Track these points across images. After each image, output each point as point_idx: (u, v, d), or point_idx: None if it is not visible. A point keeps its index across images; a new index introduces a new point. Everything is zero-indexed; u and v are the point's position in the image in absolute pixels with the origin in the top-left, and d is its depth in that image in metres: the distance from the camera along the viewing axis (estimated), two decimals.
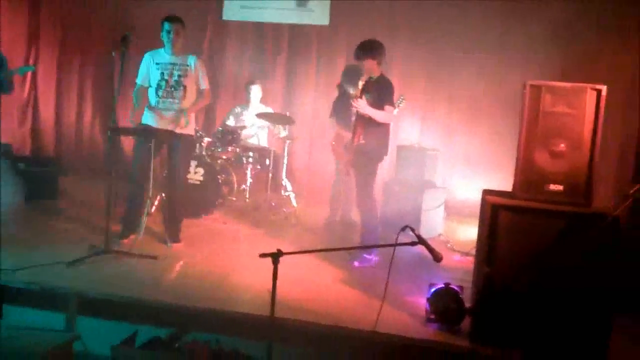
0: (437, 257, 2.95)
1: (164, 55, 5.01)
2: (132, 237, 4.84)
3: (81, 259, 4.33)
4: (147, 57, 5.07)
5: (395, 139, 7.34)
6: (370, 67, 4.90)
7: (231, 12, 7.87)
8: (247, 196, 6.50)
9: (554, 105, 3.41)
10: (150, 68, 5.01)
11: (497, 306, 3.35)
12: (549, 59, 6.66)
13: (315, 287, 4.26)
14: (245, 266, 4.50)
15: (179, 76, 4.96)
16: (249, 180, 6.56)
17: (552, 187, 3.43)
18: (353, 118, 5.03)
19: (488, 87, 7.08)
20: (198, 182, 6.11)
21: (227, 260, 4.76)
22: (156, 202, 5.98)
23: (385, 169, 6.83)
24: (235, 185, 6.53)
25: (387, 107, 4.86)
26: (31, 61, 8.27)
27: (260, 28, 7.86)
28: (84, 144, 8.44)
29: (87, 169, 8.04)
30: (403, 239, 3.01)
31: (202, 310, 3.61)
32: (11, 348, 3.29)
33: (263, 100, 7.05)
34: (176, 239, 5.06)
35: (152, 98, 5.02)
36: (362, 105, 4.77)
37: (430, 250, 2.95)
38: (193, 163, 6.10)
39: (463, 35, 7.16)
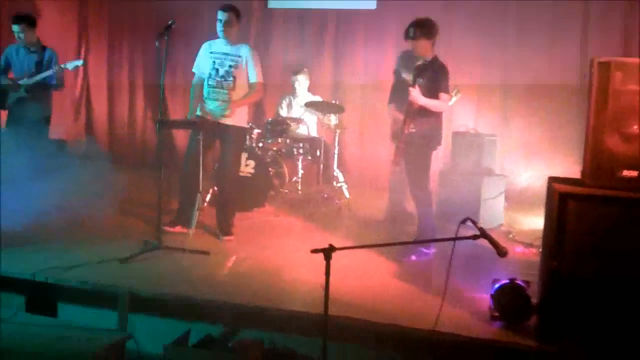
0: (501, 252, 2.73)
1: (219, 44, 4.94)
2: (179, 227, 4.83)
3: (134, 255, 4.29)
4: (204, 46, 5.02)
5: (450, 125, 7.07)
6: (424, 49, 4.65)
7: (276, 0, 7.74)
8: (300, 188, 6.38)
9: (625, 84, 3.10)
10: (205, 58, 4.94)
11: (565, 302, 3.10)
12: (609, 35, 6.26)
13: (371, 282, 4.07)
14: (298, 261, 4.36)
15: (230, 66, 4.88)
16: (301, 171, 6.44)
17: (626, 172, 3.14)
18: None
19: (546, 68, 6.71)
20: (249, 175, 6.02)
21: (280, 255, 4.64)
22: (209, 196, 5.92)
23: (440, 157, 6.60)
24: (287, 177, 6.42)
25: (442, 95, 4.60)
26: (82, 55, 8.36)
27: (305, 15, 7.70)
28: (137, 137, 8.51)
29: (140, 162, 8.10)
30: (463, 232, 2.81)
31: (255, 307, 3.51)
32: (64, 347, 3.28)
33: (311, 89, 6.89)
34: (228, 233, 4.98)
35: (204, 88, 4.98)
36: (416, 95, 4.53)
37: (494, 244, 2.74)
38: (244, 155, 6.01)
39: (517, 14, 6.80)
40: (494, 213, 5.84)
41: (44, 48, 5.75)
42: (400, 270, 4.40)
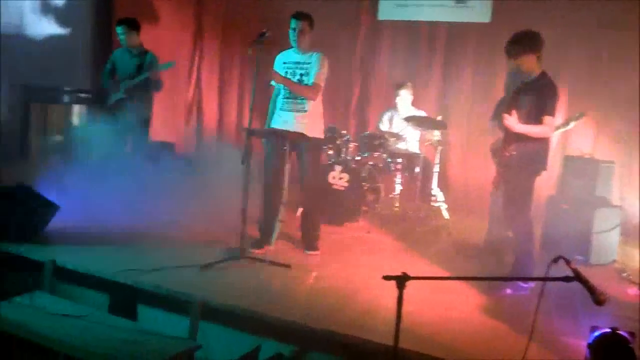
0: (598, 300, 2.37)
1: (291, 54, 4.83)
2: (266, 247, 4.72)
3: (215, 263, 4.28)
4: (278, 57, 4.92)
5: (562, 148, 6.57)
6: (529, 65, 4.20)
7: (387, 11, 7.56)
8: (397, 205, 6.15)
9: None
10: (279, 69, 4.83)
11: None
12: None
13: (453, 316, 3.75)
14: (379, 284, 4.12)
15: (301, 75, 4.74)
16: (399, 187, 6.21)
17: None
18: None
19: None
20: (342, 188, 5.88)
21: (362, 274, 4.41)
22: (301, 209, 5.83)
23: (549, 183, 6.12)
24: (382, 193, 6.22)
25: (546, 119, 4.12)
26: (196, 59, 8.59)
27: (415, 27, 7.46)
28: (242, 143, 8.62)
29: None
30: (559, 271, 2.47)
31: (325, 331, 3.33)
32: (134, 351, 3.27)
33: (415, 104, 6.64)
34: (312, 247, 4.86)
35: (279, 100, 4.87)
36: (512, 123, 4.15)
37: (590, 289, 2.38)
38: (338, 168, 5.89)
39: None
40: (607, 248, 5.27)
41: (145, 52, 5.98)
42: (490, 305, 4.02)
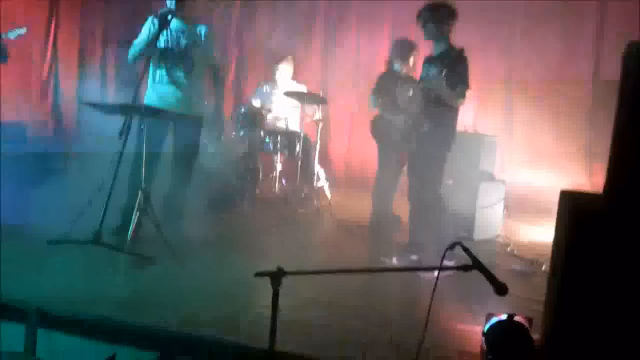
0: (499, 289, 2.06)
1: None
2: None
3: (65, 241, 3.62)
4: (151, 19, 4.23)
5: None
6: (431, 35, 4.14)
7: None
8: (277, 186, 5.72)
9: None
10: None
11: (576, 346, 2.44)
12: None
13: (339, 305, 3.35)
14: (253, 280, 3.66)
15: (186, 45, 4.16)
16: (278, 168, 5.77)
17: None
18: (407, 99, 4.20)
19: (556, 61, 6.06)
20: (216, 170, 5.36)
21: (234, 268, 3.83)
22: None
23: None
24: (261, 175, 5.76)
25: (460, 87, 3.98)
26: (52, 31, 7.60)
27: None
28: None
29: None
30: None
31: (187, 335, 2.83)
32: None
33: (296, 77, 6.19)
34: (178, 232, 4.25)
35: (153, 71, 4.25)
36: (437, 85, 3.95)
37: (491, 279, 2.08)
38: (211, 149, 5.35)
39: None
40: (491, 222, 5.20)
41: None
42: (380, 287, 3.69)
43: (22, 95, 7.31)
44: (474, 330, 2.97)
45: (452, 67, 3.97)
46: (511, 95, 6.31)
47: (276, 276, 2.12)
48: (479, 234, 5.06)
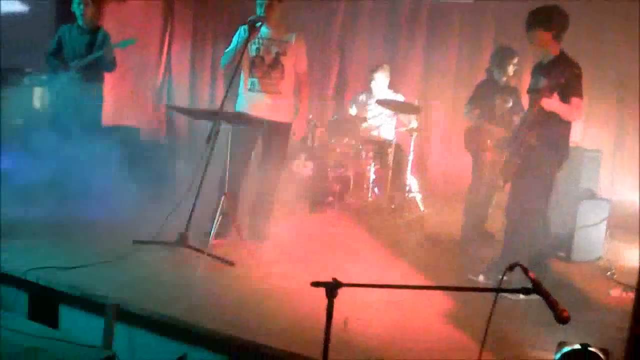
0: (560, 317, 1.93)
1: (262, 29, 4.32)
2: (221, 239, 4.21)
3: (149, 242, 3.88)
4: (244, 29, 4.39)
5: None
6: (541, 42, 3.77)
7: None
8: (370, 195, 5.69)
9: None
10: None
11: None
12: None
13: (408, 324, 3.28)
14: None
15: (277, 53, 4.32)
16: (372, 177, 5.74)
17: None
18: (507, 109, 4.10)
19: None
20: (307, 177, 5.45)
21: (310, 276, 3.86)
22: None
23: None
24: (352, 183, 5.76)
25: (574, 100, 3.65)
26: (167, 38, 8.04)
27: (395, 6, 6.97)
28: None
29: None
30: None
31: (252, 343, 2.90)
32: None
33: (393, 87, 6.15)
34: (261, 236, 4.41)
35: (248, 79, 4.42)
36: (548, 101, 3.62)
37: (551, 305, 1.95)
38: (302, 155, 5.44)
39: None
40: (592, 243, 4.85)
41: (97, 28, 5.45)
42: (454, 310, 3.55)
43: (137, 101, 7.87)
44: (544, 359, 2.80)
45: (565, 77, 3.63)
46: (622, 104, 5.86)
47: (331, 287, 2.12)
48: (578, 255, 4.75)
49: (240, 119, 4.06)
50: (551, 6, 3.79)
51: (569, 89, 3.65)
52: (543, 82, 3.72)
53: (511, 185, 3.99)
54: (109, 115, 6.07)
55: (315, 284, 2.15)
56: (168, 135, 8.22)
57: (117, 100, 7.10)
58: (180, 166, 6.24)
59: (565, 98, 3.65)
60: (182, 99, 8.21)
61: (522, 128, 3.84)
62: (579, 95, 3.68)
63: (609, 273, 4.50)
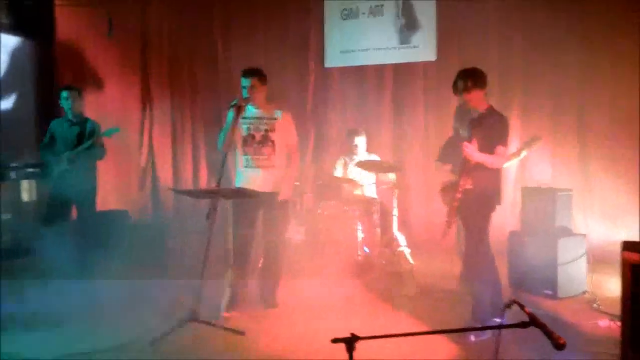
0: (557, 344, 2.17)
1: (250, 109, 4.62)
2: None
3: (163, 335, 3.96)
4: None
5: (520, 179, 6.51)
6: (477, 101, 4.16)
7: (333, 59, 7.56)
8: (360, 253, 5.92)
9: None
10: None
11: None
12: None
13: None
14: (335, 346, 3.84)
15: (266, 130, 4.59)
16: (360, 235, 5.99)
17: None
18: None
19: (631, 106, 6.02)
20: (299, 242, 5.67)
21: (322, 335, 4.06)
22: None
23: (513, 219, 6.03)
24: (343, 243, 5.99)
25: (498, 149, 4.05)
26: (146, 123, 8.31)
27: (362, 72, 7.45)
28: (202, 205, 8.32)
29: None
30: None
31: None
32: None
33: (369, 148, 6.52)
34: (272, 304, 4.65)
35: (240, 156, 4.68)
36: (470, 152, 4.01)
37: (548, 334, 2.19)
38: (293, 222, 5.68)
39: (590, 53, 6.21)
40: (575, 279, 5.10)
41: (85, 120, 5.79)
42: (459, 353, 3.76)
43: (123, 183, 8.08)
44: None
45: (494, 128, 4.05)
46: (585, 147, 6.29)
47: (350, 342, 2.28)
48: (564, 292, 4.99)
49: (239, 194, 4.31)
50: (476, 68, 4.20)
51: (495, 139, 4.04)
52: (474, 134, 4.10)
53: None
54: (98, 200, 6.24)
55: (336, 340, 2.35)
56: (155, 214, 8.40)
57: (103, 185, 7.29)
58: (173, 245, 6.43)
59: (491, 148, 4.03)
60: (166, 178, 8.44)
61: (460, 175, 4.15)
62: (504, 143, 4.10)
63: (594, 305, 4.75)
